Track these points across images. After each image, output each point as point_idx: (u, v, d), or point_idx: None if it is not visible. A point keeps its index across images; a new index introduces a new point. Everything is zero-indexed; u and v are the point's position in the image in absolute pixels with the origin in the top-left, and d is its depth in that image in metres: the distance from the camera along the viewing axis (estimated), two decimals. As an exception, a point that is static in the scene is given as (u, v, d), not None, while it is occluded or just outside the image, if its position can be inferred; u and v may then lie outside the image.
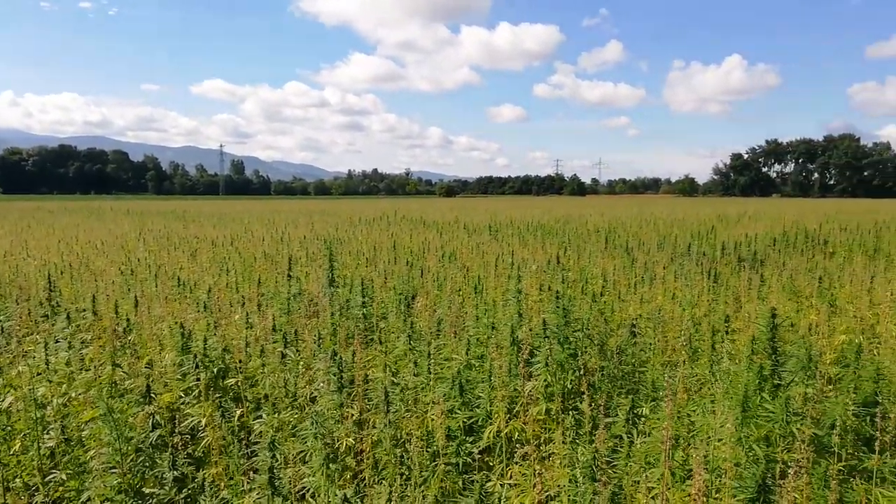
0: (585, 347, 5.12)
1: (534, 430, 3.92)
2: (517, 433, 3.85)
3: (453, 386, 4.03)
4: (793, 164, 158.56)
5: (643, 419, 4.10)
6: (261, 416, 4.61)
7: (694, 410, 3.81)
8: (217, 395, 4.98)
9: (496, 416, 3.85)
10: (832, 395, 4.19)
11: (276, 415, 4.46)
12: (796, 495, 3.03)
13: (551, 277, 9.68)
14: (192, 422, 4.61)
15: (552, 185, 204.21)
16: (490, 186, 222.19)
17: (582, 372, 4.65)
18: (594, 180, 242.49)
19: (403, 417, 3.89)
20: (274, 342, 5.57)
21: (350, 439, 3.87)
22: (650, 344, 5.54)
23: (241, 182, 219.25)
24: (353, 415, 4.11)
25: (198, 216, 33.90)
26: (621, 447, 3.35)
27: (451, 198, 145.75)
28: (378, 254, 13.21)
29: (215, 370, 5.18)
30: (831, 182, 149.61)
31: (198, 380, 4.95)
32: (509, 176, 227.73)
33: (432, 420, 3.71)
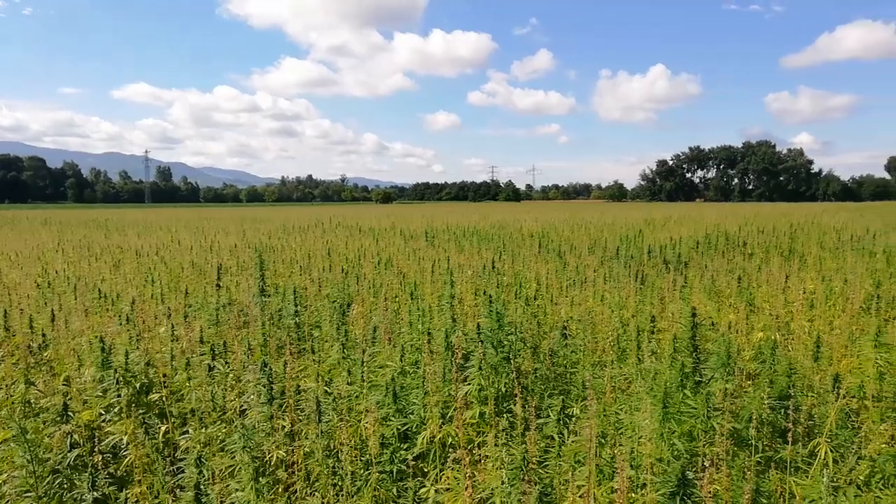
0: (519, 350, 5.20)
1: (467, 434, 3.95)
2: (451, 438, 3.87)
3: (387, 393, 4.01)
4: (715, 170, 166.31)
5: (574, 419, 4.20)
6: (187, 432, 4.46)
7: (621, 409, 3.93)
8: (140, 412, 4.78)
9: (430, 421, 3.86)
10: (750, 390, 4.41)
11: (203, 429, 4.33)
12: (717, 487, 3.17)
13: (486, 282, 9.80)
14: (113, 440, 4.40)
15: (488, 191, 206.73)
16: (427, 192, 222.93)
17: (515, 374, 4.72)
18: (528, 186, 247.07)
19: (337, 427, 3.83)
20: (201, 354, 5.39)
21: (281, 451, 3.78)
22: (581, 345, 5.68)
23: (169, 189, 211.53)
24: (284, 426, 4.02)
25: (121, 225, 32.47)
26: (552, 447, 3.41)
27: (387, 204, 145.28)
28: (312, 261, 13.00)
29: (138, 385, 4.97)
30: (750, 187, 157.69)
31: (119, 396, 4.74)
32: (446, 182, 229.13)
33: (366, 428, 3.68)
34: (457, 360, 3.85)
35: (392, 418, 3.94)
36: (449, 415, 4.05)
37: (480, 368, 4.16)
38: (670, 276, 9.85)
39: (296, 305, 6.67)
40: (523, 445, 2.91)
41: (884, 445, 3.74)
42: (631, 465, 3.11)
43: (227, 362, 5.33)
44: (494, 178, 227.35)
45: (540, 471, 3.25)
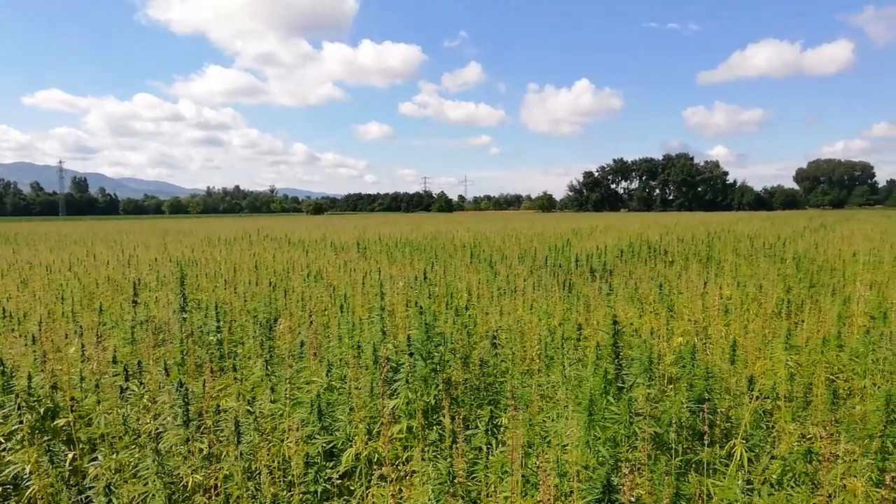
0: (448, 361, 5.17)
1: (395, 450, 3.87)
2: (377, 454, 3.78)
3: (312, 410, 3.89)
4: (637, 181, 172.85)
5: (503, 429, 4.19)
6: (96, 458, 4.18)
7: (548, 417, 3.96)
8: (45, 438, 4.45)
9: (356, 438, 3.76)
10: (671, 394, 4.53)
11: (114, 455, 4.06)
12: (640, 491, 3.23)
13: (418, 293, 9.74)
14: (14, 470, 4.08)
15: (421, 202, 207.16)
16: (359, 203, 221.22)
17: (445, 386, 4.68)
18: (461, 197, 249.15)
19: (259, 447, 3.67)
20: (114, 375, 5.09)
21: (198, 476, 3.59)
22: (510, 354, 5.71)
23: (85, 201, 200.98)
24: (201, 449, 3.83)
25: (32, 239, 30.55)
26: (480, 459, 3.38)
27: (319, 215, 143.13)
28: (238, 275, 12.59)
29: (42, 410, 4.63)
30: (671, 197, 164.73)
31: (21, 422, 4.39)
32: (378, 193, 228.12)
33: (289, 448, 3.54)
34: (383, 374, 3.78)
35: (317, 436, 3.82)
36: (376, 430, 3.96)
37: (408, 381, 4.10)
38: (596, 284, 10.10)
39: (218, 321, 6.41)
40: (450, 459, 2.87)
41: (795, 444, 3.91)
42: (558, 474, 3.12)
43: (142, 383, 5.05)
44: (427, 189, 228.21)
45: (468, 483, 3.22)
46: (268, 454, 3.68)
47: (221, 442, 4.00)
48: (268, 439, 3.86)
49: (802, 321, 7.15)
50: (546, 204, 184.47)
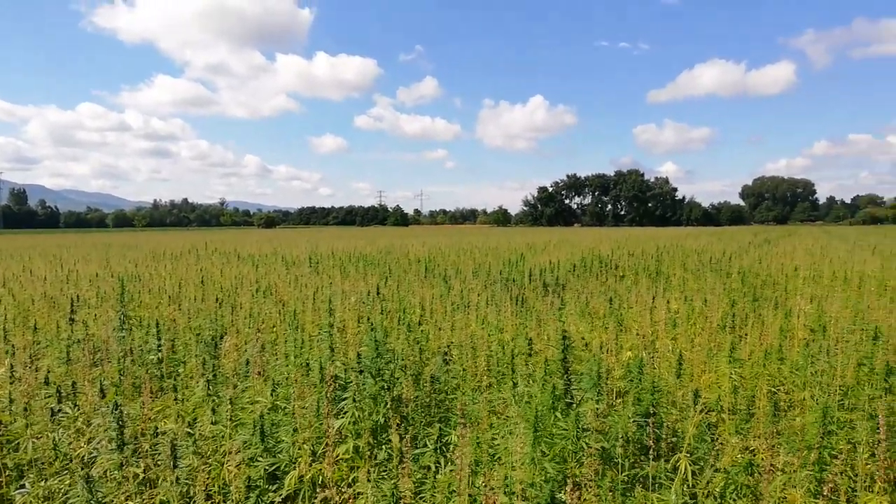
0: (399, 378, 5.09)
1: (341, 471, 3.77)
2: (322, 476, 3.67)
3: (254, 431, 3.75)
4: (590, 197, 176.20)
5: (452, 447, 4.13)
6: (24, 486, 3.94)
7: (497, 434, 3.92)
8: (-34, 467, 4.19)
9: (300, 459, 3.65)
10: (619, 409, 4.56)
11: (42, 482, 3.84)
12: (587, 507, 3.21)
13: (370, 309, 9.63)
14: (-70, 503, 3.82)
15: (376, 216, 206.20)
16: (313, 217, 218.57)
17: (395, 404, 4.60)
18: (417, 211, 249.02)
19: (198, 471, 3.52)
20: (46, 397, 4.83)
21: (132, 502, 3.42)
22: (461, 370, 5.67)
23: (24, 214, 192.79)
24: (137, 474, 3.65)
25: (-36, 253, 29.06)
26: (428, 478, 3.32)
27: (270, 229, 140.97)
28: (183, 291, 12.22)
29: (-36, 437, 4.35)
30: (622, 212, 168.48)
31: (-61, 450, 4.12)
32: (333, 206, 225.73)
33: (229, 471, 3.41)
34: (329, 393, 3.68)
35: (260, 458, 3.69)
36: (321, 451, 3.85)
37: (355, 400, 4.01)
38: (548, 298, 10.18)
39: (159, 339, 6.18)
40: (394, 480, 2.80)
41: (738, 457, 3.98)
42: (505, 492, 3.08)
43: (75, 405, 4.81)
44: (383, 203, 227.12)
45: (415, 503, 3.15)
46: (208, 478, 3.53)
47: (158, 466, 3.83)
48: (208, 462, 3.71)
49: (746, 334, 7.34)
50: (501, 218, 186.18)
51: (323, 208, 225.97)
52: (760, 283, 12.92)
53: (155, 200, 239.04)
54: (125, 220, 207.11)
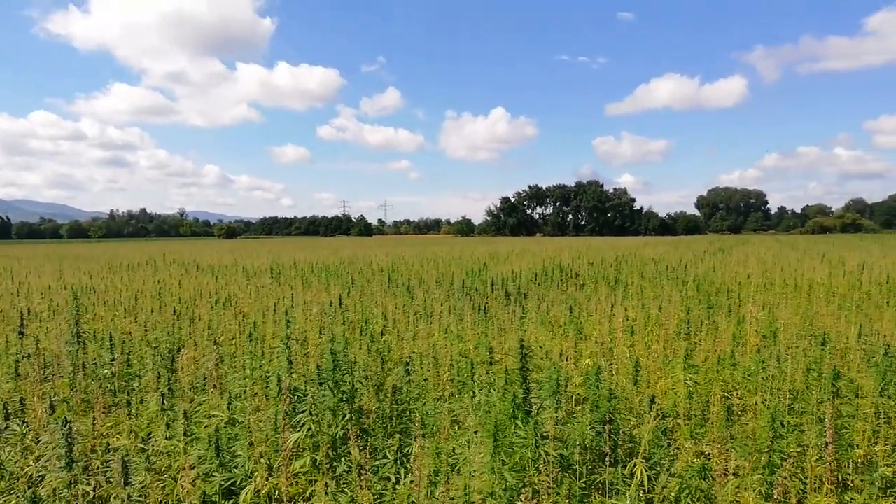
0: (359, 390, 5.06)
1: (298, 485, 3.72)
2: (278, 491, 3.62)
3: (209, 446, 3.68)
4: (552, 207, 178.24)
5: (412, 458, 4.12)
6: (-35, 509, 3.79)
7: (458, 443, 3.93)
8: None
9: (257, 474, 3.59)
10: (579, 416, 4.62)
11: (-15, 505, 3.69)
12: (546, 515, 3.24)
13: (333, 320, 9.55)
14: None
15: (340, 226, 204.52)
16: (275, 227, 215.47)
17: (355, 416, 4.57)
18: (381, 221, 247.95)
19: (151, 488, 3.44)
20: (-9, 415, 4.66)
21: (81, 523, 3.31)
22: (422, 381, 5.67)
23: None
24: (87, 492, 3.54)
25: None
26: (387, 490, 3.31)
27: (232, 239, 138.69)
28: (140, 303, 11.93)
29: None
30: (583, 222, 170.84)
31: None
32: (295, 216, 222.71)
33: (183, 487, 3.33)
34: (286, 406, 3.64)
35: (215, 473, 3.62)
36: (278, 465, 3.80)
37: (311, 413, 3.97)
38: (510, 307, 10.26)
39: (112, 352, 6.01)
40: (351, 492, 2.78)
41: (692, 461, 4.07)
42: (464, 502, 3.09)
43: (24, 422, 4.65)
44: (346, 213, 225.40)
45: (374, 516, 3.13)
46: (161, 494, 3.45)
47: (110, 483, 3.72)
48: (161, 478, 3.62)
49: (701, 341, 7.53)
50: (465, 228, 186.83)
51: (285, 218, 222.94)
52: (715, 290, 13.26)
53: (112, 211, 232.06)
54: (81, 230, 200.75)
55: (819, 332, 6.79)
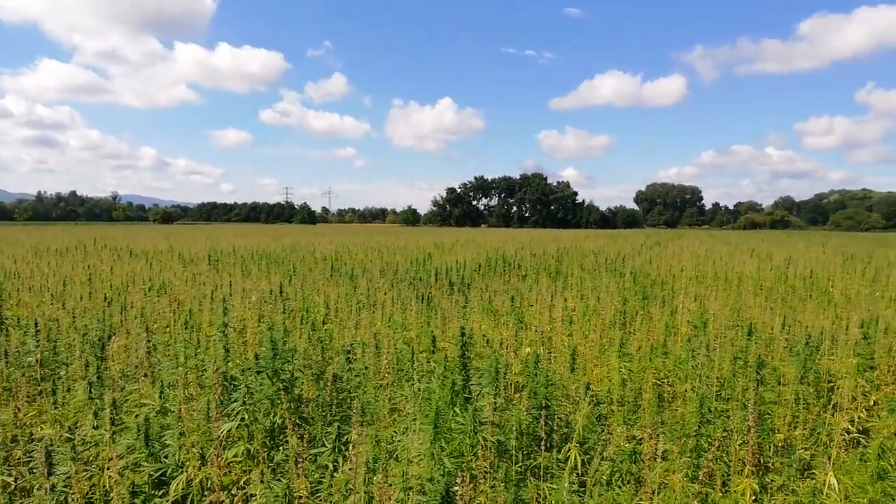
0: (298, 378, 5.00)
1: (233, 474, 3.65)
2: (210, 481, 3.54)
3: (139, 436, 3.57)
4: (497, 198, 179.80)
5: (352, 446, 4.11)
6: None
7: (398, 430, 3.95)
8: None
9: (188, 463, 3.50)
10: (517, 403, 4.71)
11: None
12: (483, 499, 3.30)
13: (273, 308, 9.39)
14: None
15: (282, 213, 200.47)
16: (214, 213, 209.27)
17: (294, 405, 4.52)
18: (325, 209, 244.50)
19: (76, 478, 3.30)
20: None
21: (0, 517, 3.16)
22: (363, 369, 5.65)
23: None
24: (7, 483, 3.38)
25: None
26: (325, 478, 3.29)
27: (168, 225, 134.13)
28: (69, 289, 11.41)
29: None
30: (527, 214, 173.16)
31: None
32: (235, 202, 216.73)
33: (110, 477, 3.22)
34: (219, 395, 3.56)
35: (144, 463, 3.51)
36: (211, 454, 3.72)
37: (245, 402, 3.90)
38: (454, 297, 10.33)
39: (37, 339, 5.74)
40: (286, 480, 2.75)
41: (625, 445, 4.21)
42: (403, 488, 3.11)
43: (-64, 414, 4.39)
44: (289, 200, 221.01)
45: (311, 503, 3.11)
46: (88, 485, 3.32)
47: (33, 473, 3.56)
48: (88, 469, 3.49)
49: (636, 331, 7.77)
50: (411, 218, 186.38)
51: (225, 204, 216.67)
52: (650, 282, 13.70)
53: (39, 192, 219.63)
54: (5, 213, 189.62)
55: (746, 322, 7.11)
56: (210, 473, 3.38)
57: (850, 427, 5.14)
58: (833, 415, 5.15)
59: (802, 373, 5.33)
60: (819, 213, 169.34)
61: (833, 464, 3.89)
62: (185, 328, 7.46)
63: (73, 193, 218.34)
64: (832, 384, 5.83)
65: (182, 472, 3.48)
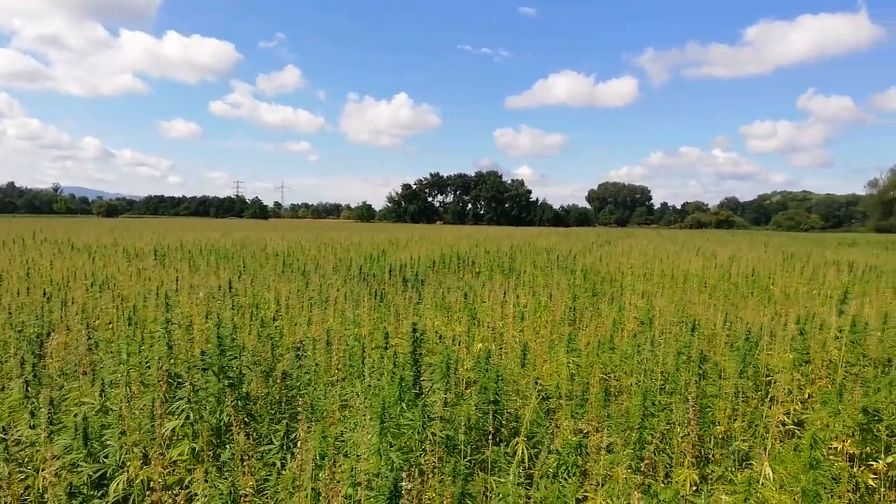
0: (246, 375, 4.93)
1: (177, 473, 3.58)
2: (152, 481, 3.46)
3: (77, 435, 3.46)
4: (452, 195, 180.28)
5: (300, 442, 4.08)
6: None
7: (347, 427, 3.93)
8: None
9: (130, 463, 3.41)
10: (468, 398, 4.75)
11: None
12: (431, 494, 3.32)
13: (221, 304, 9.20)
14: None
15: (233, 207, 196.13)
16: (161, 206, 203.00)
17: (242, 402, 4.45)
18: (277, 204, 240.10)
19: (10, 479, 3.17)
20: None
21: (-75, 522, 3.01)
22: (313, 365, 5.60)
23: None
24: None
25: None
26: (272, 475, 3.25)
27: (112, 218, 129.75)
28: (5, 284, 10.93)
29: None
30: (482, 211, 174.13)
31: None
32: (184, 196, 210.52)
33: (45, 478, 3.11)
34: (163, 393, 3.48)
35: (83, 463, 3.40)
36: (154, 453, 3.63)
37: (190, 400, 3.82)
38: (408, 293, 10.33)
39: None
40: (232, 479, 2.71)
41: (571, 439, 4.30)
42: (351, 484, 3.10)
43: None
44: (240, 194, 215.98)
45: (256, 500, 3.07)
46: (21, 486, 3.20)
47: (-39, 479, 3.40)
48: (23, 470, 3.36)
49: (585, 326, 7.93)
50: (365, 214, 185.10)
51: (173, 198, 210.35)
52: (600, 279, 13.99)
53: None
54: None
55: (690, 319, 7.34)
56: (153, 473, 3.30)
57: (785, 419, 5.37)
58: (770, 407, 5.36)
59: (742, 367, 5.54)
60: (762, 213, 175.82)
61: (769, 454, 4.06)
62: (129, 325, 7.25)
63: (12, 185, 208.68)
64: (770, 378, 6.07)
65: (123, 473, 3.39)
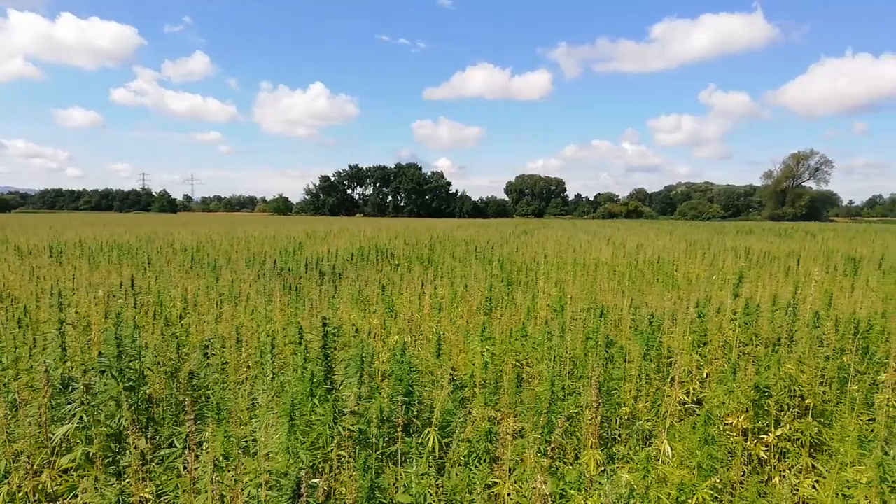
0: (146, 377, 4.70)
1: (70, 481, 3.36)
2: (38, 491, 3.24)
3: (-49, 448, 3.18)
4: (372, 187, 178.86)
5: (206, 444, 3.93)
6: None
7: (256, 426, 3.82)
8: None
9: (14, 473, 3.18)
10: (383, 391, 4.73)
11: None
12: (342, 489, 3.28)
13: (122, 303, 8.73)
14: None
15: (138, 201, 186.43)
16: (59, 200, 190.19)
17: (143, 405, 4.24)
18: (187, 197, 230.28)
19: None
20: None
21: None
22: (221, 364, 5.41)
23: None
24: None
25: None
26: (172, 479, 3.12)
27: (4, 213, 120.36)
28: None
29: None
30: (402, 203, 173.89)
31: None
32: (84, 189, 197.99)
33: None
34: (48, 397, 3.26)
35: (-41, 478, 3.14)
36: (42, 461, 3.40)
37: (84, 403, 3.60)
38: (324, 287, 10.16)
39: None
40: (122, 485, 2.57)
41: (484, 426, 4.37)
42: (257, 484, 3.01)
43: None
44: (146, 187, 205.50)
45: (156, 508, 2.94)
46: None
47: None
48: None
49: (501, 315, 8.07)
50: (282, 207, 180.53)
51: (72, 191, 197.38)
52: (516, 269, 14.28)
53: None
54: None
55: (599, 305, 7.61)
56: (41, 482, 3.08)
57: (685, 398, 5.67)
58: (671, 387, 5.65)
59: (646, 350, 5.79)
60: (668, 203, 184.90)
61: (668, 432, 4.28)
62: (19, 327, 6.75)
63: None
64: (671, 359, 6.40)
65: (4, 484, 3.15)
